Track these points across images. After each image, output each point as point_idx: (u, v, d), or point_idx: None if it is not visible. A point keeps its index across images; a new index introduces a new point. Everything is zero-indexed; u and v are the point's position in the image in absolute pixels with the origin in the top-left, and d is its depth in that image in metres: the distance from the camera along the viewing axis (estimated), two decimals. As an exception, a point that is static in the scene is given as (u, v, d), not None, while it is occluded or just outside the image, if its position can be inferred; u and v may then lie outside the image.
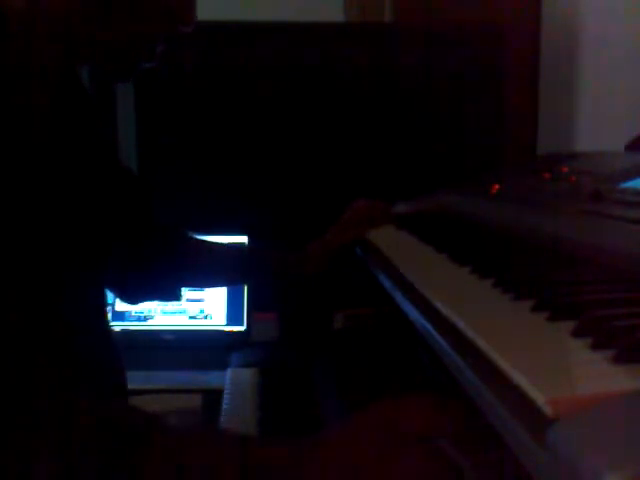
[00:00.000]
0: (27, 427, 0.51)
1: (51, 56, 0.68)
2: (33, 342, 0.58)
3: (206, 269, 1.15)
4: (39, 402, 0.53)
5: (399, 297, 0.74)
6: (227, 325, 1.54)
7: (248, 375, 1.31)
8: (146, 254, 0.98)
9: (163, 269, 1.02)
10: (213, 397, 1.26)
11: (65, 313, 0.65)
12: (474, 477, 0.56)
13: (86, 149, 0.78)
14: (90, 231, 0.75)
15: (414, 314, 0.65)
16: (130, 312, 1.53)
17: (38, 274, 0.61)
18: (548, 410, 0.35)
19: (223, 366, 1.37)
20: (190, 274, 1.10)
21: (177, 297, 1.11)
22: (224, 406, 1.17)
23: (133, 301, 1.06)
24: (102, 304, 0.83)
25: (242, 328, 1.54)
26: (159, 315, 1.54)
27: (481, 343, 0.47)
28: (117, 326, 1.51)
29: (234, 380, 1.29)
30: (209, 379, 1.37)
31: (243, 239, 1.55)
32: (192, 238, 1.12)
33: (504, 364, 0.42)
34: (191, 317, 1.54)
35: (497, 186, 1.11)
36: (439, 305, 0.59)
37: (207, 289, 1.53)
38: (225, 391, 1.24)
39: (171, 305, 1.53)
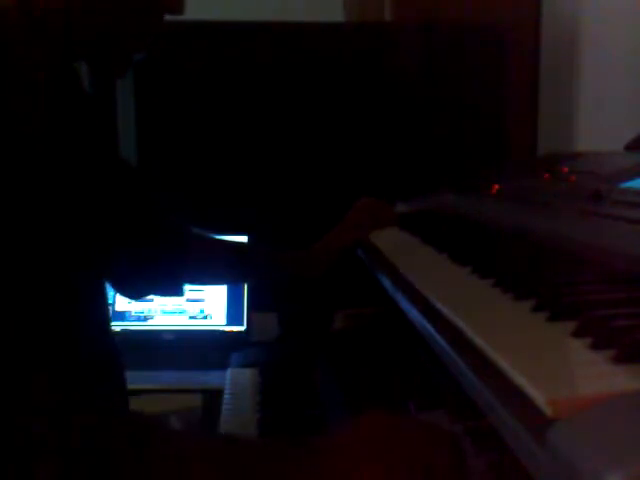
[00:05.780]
0: (27, 428, 0.51)
1: (47, 51, 0.69)
2: (33, 343, 0.58)
3: (207, 264, 1.14)
4: (39, 402, 0.53)
5: (399, 297, 0.74)
6: (227, 325, 1.54)
7: (248, 375, 1.31)
8: (147, 248, 0.97)
9: (164, 263, 1.00)
10: (213, 397, 1.26)
11: (66, 313, 0.65)
12: None
13: (85, 146, 0.78)
14: (90, 229, 0.75)
15: (414, 314, 0.65)
16: (130, 312, 1.53)
17: (38, 274, 0.61)
18: (548, 410, 0.35)
19: (223, 366, 1.37)
20: (191, 268, 1.08)
21: (179, 292, 1.08)
22: (224, 406, 1.17)
23: (134, 296, 1.04)
24: (103, 304, 0.82)
25: (242, 328, 1.54)
26: (159, 315, 1.54)
27: (481, 343, 0.47)
28: (117, 326, 1.51)
29: (234, 380, 1.29)
30: (209, 379, 1.37)
31: (243, 239, 1.55)
32: (193, 232, 1.11)
33: (504, 364, 0.42)
34: (191, 317, 1.54)
35: (497, 186, 1.11)
36: (439, 305, 0.59)
37: (207, 287, 1.53)
38: (225, 391, 1.23)
39: (171, 305, 1.53)
